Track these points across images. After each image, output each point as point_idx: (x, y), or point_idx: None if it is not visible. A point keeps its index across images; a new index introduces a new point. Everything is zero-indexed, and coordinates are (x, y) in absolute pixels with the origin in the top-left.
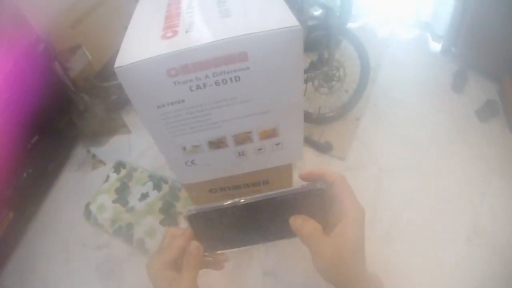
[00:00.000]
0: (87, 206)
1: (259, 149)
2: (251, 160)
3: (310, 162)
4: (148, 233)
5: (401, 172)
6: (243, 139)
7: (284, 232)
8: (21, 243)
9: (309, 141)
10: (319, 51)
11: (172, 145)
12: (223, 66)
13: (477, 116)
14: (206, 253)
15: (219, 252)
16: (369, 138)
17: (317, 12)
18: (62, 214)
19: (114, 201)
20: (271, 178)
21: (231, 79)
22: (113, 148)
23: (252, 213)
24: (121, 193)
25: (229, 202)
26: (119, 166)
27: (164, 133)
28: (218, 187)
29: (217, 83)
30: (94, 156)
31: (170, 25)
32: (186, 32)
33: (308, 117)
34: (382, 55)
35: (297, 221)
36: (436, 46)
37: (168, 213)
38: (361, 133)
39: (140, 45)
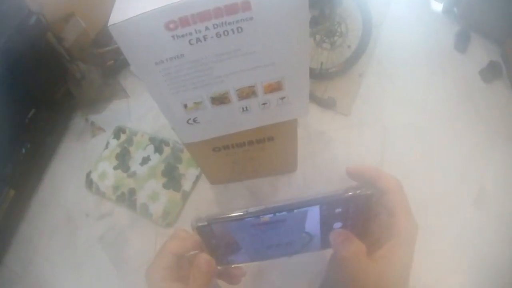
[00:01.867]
0: (88, 175)
1: (264, 104)
2: (255, 116)
3: (314, 118)
4: (151, 198)
5: (405, 131)
6: (247, 93)
7: (313, 244)
8: (23, 220)
9: (312, 97)
10: (321, 7)
11: (173, 103)
12: (225, 17)
13: (481, 77)
14: (219, 267)
15: (234, 266)
16: (373, 96)
17: None
18: (63, 186)
19: (115, 168)
20: (276, 134)
21: (233, 30)
22: (112, 114)
23: (274, 222)
24: (122, 158)
25: (246, 210)
26: (118, 132)
27: (164, 90)
28: (221, 146)
29: (218, 35)
30: (93, 123)
31: None
32: None
33: (311, 73)
34: (384, 13)
35: (338, 239)
36: (438, 6)
37: (171, 176)
38: (365, 90)
39: (135, 1)
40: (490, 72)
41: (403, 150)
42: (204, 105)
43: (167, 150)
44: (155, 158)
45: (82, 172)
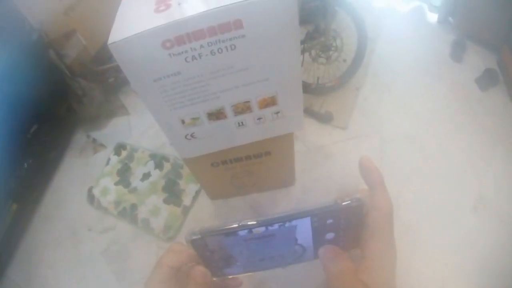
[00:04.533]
0: (90, 190)
1: (259, 119)
2: (251, 131)
3: (311, 132)
4: (153, 213)
5: (403, 142)
6: (242, 109)
7: (307, 254)
8: (26, 234)
9: (309, 112)
10: (316, 22)
11: (171, 119)
12: (218, 35)
13: (477, 85)
14: (214, 279)
15: (230, 277)
16: (370, 108)
17: None
18: (66, 201)
19: (116, 183)
20: (272, 149)
21: (226, 48)
22: (113, 130)
23: (266, 235)
24: (123, 174)
25: (238, 223)
26: (119, 148)
27: (162, 106)
28: (219, 161)
29: (212, 53)
30: (94, 140)
31: (162, 0)
32: (179, 4)
33: (307, 88)
34: (379, 26)
35: (327, 255)
36: (433, 17)
37: (171, 191)
38: (362, 103)
39: (133, 20)
40: (486, 80)
41: (402, 160)
42: (201, 120)
43: (167, 166)
44: (156, 174)
45: (84, 187)
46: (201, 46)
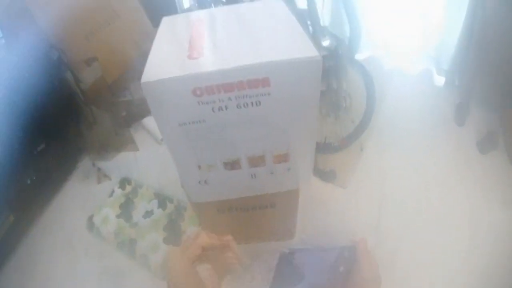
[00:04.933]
0: (90, 218)
1: (272, 173)
2: (262, 183)
3: (315, 189)
4: (152, 249)
5: (403, 201)
6: (257, 161)
7: None
8: (20, 247)
9: (314, 169)
10: (328, 81)
11: (188, 163)
12: (246, 90)
13: (478, 148)
14: None
15: None
16: (373, 168)
17: (326, 42)
18: (64, 222)
19: (118, 216)
20: (278, 201)
21: (252, 103)
22: (119, 163)
23: None
24: (126, 208)
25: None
26: (124, 182)
27: (183, 150)
28: (226, 208)
29: (238, 106)
30: (99, 170)
31: (196, 46)
32: (211, 54)
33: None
34: (387, 87)
35: None
36: (440, 80)
37: (172, 232)
38: (365, 163)
39: (167, 63)
40: (487, 144)
41: (400, 219)
42: (217, 168)
43: (170, 207)
44: (158, 213)
45: (83, 214)
46: (229, 99)
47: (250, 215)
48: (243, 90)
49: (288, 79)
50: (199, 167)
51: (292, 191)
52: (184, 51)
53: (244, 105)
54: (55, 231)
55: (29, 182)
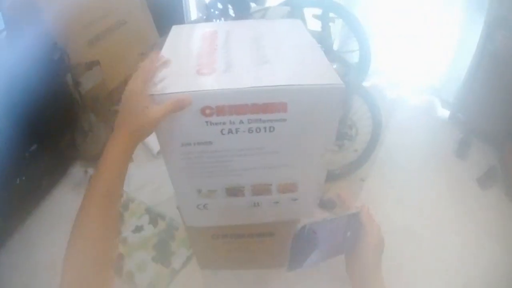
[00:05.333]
0: None
1: (276, 202)
2: (264, 212)
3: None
4: (139, 268)
5: (401, 234)
6: (261, 190)
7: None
8: (1, 251)
9: None
10: None
11: (187, 186)
12: (260, 114)
13: (478, 184)
14: None
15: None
16: (372, 199)
17: (334, 67)
18: (49, 231)
19: None
20: (276, 230)
21: (265, 128)
22: None
23: None
24: None
25: None
26: None
27: (182, 172)
28: (221, 234)
29: (250, 131)
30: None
31: (206, 62)
32: (224, 72)
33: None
34: (390, 117)
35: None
36: (444, 112)
37: (161, 251)
38: (365, 194)
39: (175, 76)
40: (487, 180)
41: (398, 251)
42: (218, 194)
43: (162, 225)
44: (149, 230)
45: (69, 223)
46: (241, 122)
47: (246, 242)
48: (257, 113)
49: (307, 106)
50: (199, 191)
51: (292, 221)
52: (193, 65)
53: (256, 130)
54: (38, 240)
55: (18, 182)
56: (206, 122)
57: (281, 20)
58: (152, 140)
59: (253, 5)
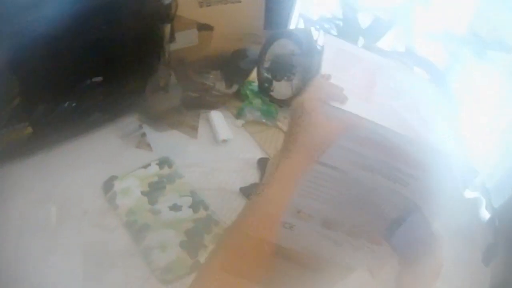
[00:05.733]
0: (112, 179)
1: (357, 249)
2: (342, 253)
3: None
4: (162, 246)
5: None
6: (357, 233)
7: None
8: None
9: None
10: None
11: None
12: (401, 163)
13: None
14: None
15: None
16: None
17: None
18: (79, 166)
19: (143, 193)
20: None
21: (400, 179)
22: (168, 141)
23: None
24: (155, 189)
25: None
26: (164, 162)
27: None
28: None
29: (384, 175)
30: (144, 135)
31: (368, 89)
32: (383, 106)
33: None
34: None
35: None
36: (486, 215)
37: (192, 239)
38: None
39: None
40: None
41: None
42: (314, 221)
43: (202, 213)
44: (187, 213)
45: (105, 169)
46: (382, 162)
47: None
48: (398, 161)
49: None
50: (298, 211)
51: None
52: (356, 89)
53: (392, 178)
54: (67, 169)
55: (66, 105)
56: (349, 148)
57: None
58: (222, 126)
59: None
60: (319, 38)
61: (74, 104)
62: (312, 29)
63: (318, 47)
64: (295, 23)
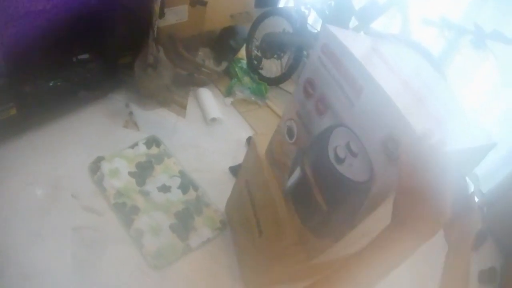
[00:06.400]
0: (99, 160)
1: None
2: None
3: None
4: (152, 229)
5: None
6: None
7: None
8: (18, 142)
9: None
10: None
11: None
12: None
13: (478, 277)
14: None
15: None
16: None
17: None
18: (67, 147)
19: (130, 174)
20: None
21: None
22: (156, 119)
23: None
24: (142, 170)
25: None
26: (152, 141)
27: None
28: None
29: None
30: (131, 113)
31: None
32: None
33: None
34: None
35: None
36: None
37: (182, 222)
38: None
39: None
40: (487, 277)
41: None
42: None
43: (191, 194)
44: (176, 194)
45: (92, 150)
46: None
47: None
48: None
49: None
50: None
51: None
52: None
53: None
54: (56, 150)
55: (51, 84)
56: None
57: None
58: (211, 105)
59: None
60: (309, 16)
61: (59, 83)
62: (302, 7)
63: (309, 26)
64: (285, 1)
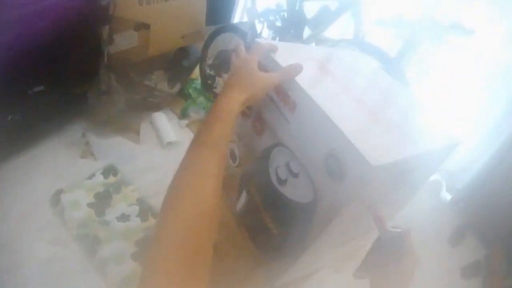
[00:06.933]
0: (59, 192)
1: None
2: None
3: None
4: (115, 258)
5: None
6: None
7: None
8: None
9: None
10: None
11: None
12: None
13: (461, 273)
14: None
15: None
16: None
17: None
18: (26, 180)
19: (89, 205)
20: None
21: None
22: (112, 148)
23: None
24: (101, 200)
25: None
26: (109, 171)
27: None
28: None
29: None
30: (87, 143)
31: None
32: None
33: None
34: None
35: None
36: (446, 196)
37: (143, 250)
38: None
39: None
40: (471, 272)
41: None
42: None
43: (151, 221)
44: (135, 222)
45: (53, 181)
46: None
47: None
48: None
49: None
50: None
51: None
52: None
53: None
54: (18, 185)
55: (9, 118)
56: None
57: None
58: (165, 129)
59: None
60: (263, 30)
61: (17, 116)
62: (256, 21)
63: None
64: (238, 17)
